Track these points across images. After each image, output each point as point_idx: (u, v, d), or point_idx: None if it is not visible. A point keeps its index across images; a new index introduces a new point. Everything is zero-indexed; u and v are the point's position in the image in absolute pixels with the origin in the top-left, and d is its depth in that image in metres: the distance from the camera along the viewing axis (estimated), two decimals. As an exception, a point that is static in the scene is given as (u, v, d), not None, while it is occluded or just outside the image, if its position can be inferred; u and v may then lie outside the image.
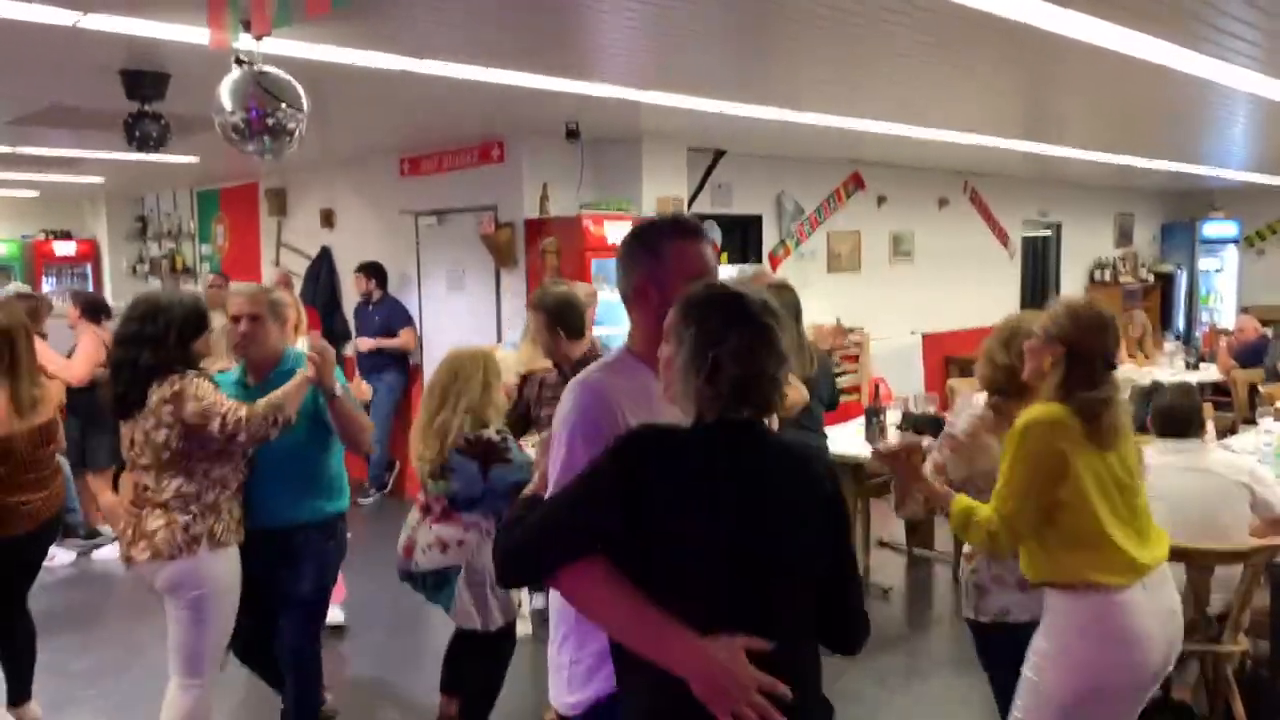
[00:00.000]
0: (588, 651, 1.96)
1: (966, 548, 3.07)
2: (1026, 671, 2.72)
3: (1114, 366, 2.74)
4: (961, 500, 2.76)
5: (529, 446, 3.78)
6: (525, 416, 4.30)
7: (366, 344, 7.81)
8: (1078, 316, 2.72)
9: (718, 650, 1.64)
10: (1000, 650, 2.94)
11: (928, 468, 2.89)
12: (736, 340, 1.72)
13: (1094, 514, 2.61)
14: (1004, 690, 2.90)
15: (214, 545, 3.24)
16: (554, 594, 1.96)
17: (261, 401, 3.27)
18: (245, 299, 3.55)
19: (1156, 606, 2.67)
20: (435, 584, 3.63)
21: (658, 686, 1.68)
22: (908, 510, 2.96)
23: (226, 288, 8.01)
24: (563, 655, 2.03)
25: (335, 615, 5.14)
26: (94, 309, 6.36)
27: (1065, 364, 2.68)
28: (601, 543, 1.71)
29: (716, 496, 1.70)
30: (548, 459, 1.98)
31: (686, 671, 1.65)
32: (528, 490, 2.02)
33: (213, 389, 3.27)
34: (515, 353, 4.41)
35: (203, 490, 3.25)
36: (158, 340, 3.24)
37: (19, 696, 4.06)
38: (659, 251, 2.04)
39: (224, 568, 3.29)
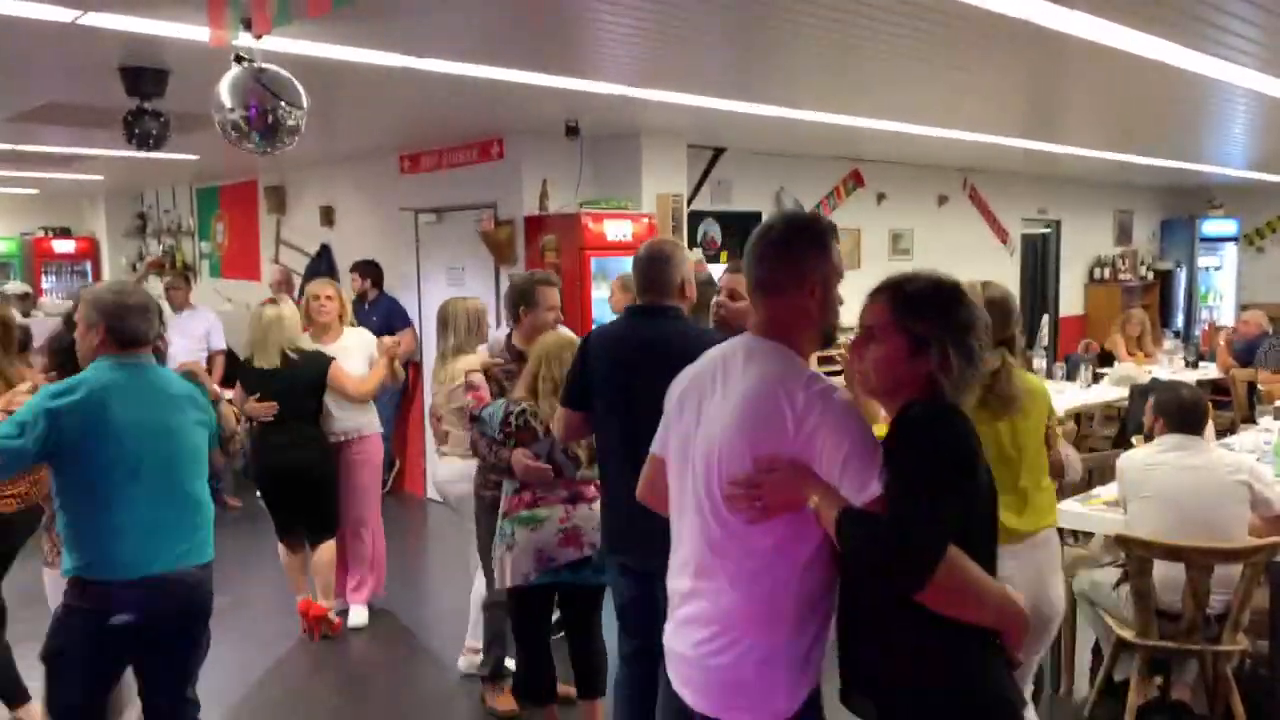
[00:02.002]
0: (797, 654, 1.99)
1: None
2: None
3: (1000, 342, 2.93)
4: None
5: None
6: None
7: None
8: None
9: (1020, 599, 1.95)
10: None
11: None
12: (980, 324, 1.96)
13: None
14: None
15: (46, 566, 3.27)
16: (732, 607, 1.99)
17: None
18: None
19: (1022, 567, 2.87)
20: (600, 566, 3.57)
21: (979, 648, 1.90)
22: None
23: (188, 288, 8.04)
24: (771, 666, 1.98)
25: (359, 617, 5.16)
26: None
27: None
28: (955, 526, 1.83)
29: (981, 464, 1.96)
30: (840, 469, 1.90)
31: (1021, 627, 1.93)
32: (816, 506, 1.91)
33: (22, 398, 3.05)
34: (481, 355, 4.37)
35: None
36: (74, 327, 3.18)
37: (16, 697, 3.91)
38: (829, 250, 2.12)
39: (58, 591, 3.03)
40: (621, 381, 3.12)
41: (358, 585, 5.22)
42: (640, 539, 3.12)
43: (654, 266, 3.20)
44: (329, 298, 5.18)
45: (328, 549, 4.98)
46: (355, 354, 5.11)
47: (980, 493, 1.92)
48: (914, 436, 1.89)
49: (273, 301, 5.06)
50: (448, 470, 4.50)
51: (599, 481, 3.47)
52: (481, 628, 4.35)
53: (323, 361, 4.86)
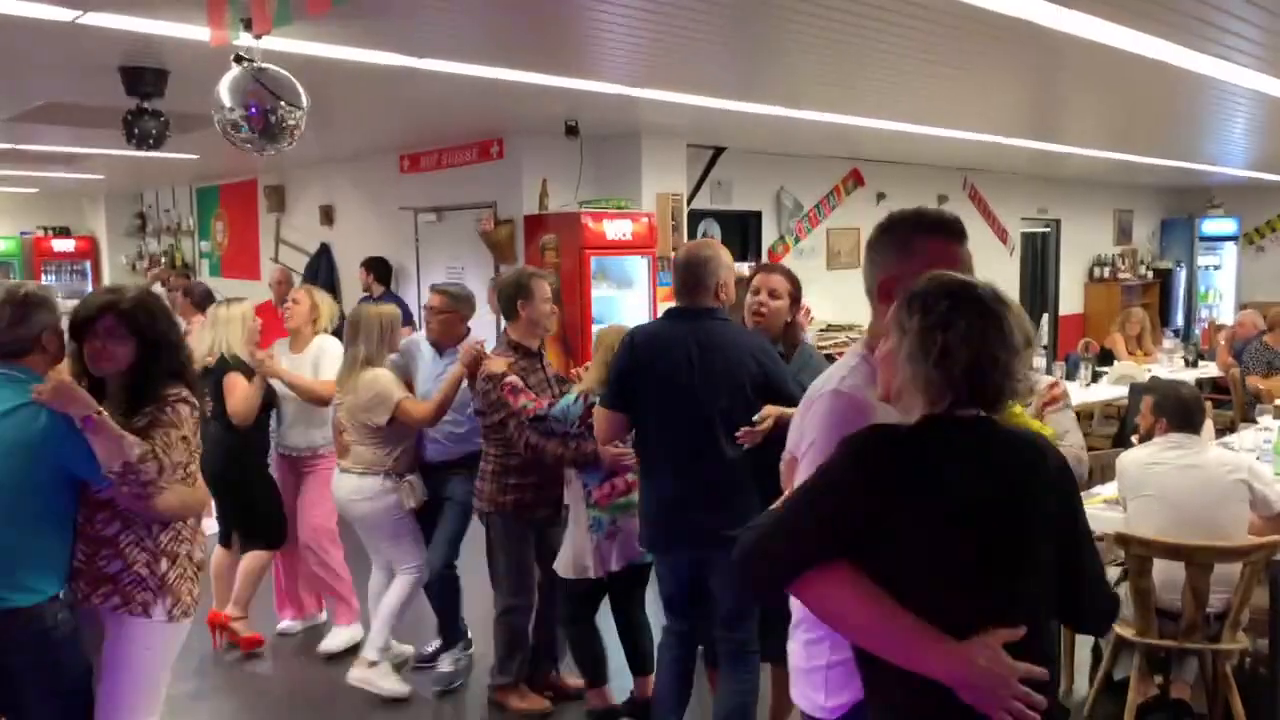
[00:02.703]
0: (846, 653, 1.85)
1: None
2: None
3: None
4: None
5: None
6: None
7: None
8: None
9: (978, 653, 1.62)
10: None
11: None
12: (965, 323, 1.66)
13: None
14: None
15: None
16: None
17: None
18: None
19: None
20: None
21: (917, 692, 1.66)
22: None
23: (194, 291, 8.02)
24: (817, 658, 1.92)
25: (354, 634, 4.84)
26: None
27: None
28: (843, 544, 1.67)
29: (955, 490, 1.67)
30: (795, 473, 1.88)
31: (951, 679, 1.63)
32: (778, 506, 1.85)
33: None
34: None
35: None
36: None
37: None
38: (910, 248, 1.91)
39: None
40: (674, 381, 3.18)
41: (339, 610, 4.85)
42: (689, 528, 3.21)
43: (691, 270, 3.24)
44: (295, 302, 4.93)
45: (251, 558, 4.71)
46: (305, 371, 4.70)
47: (929, 533, 1.66)
48: (836, 448, 1.75)
49: (227, 302, 4.91)
50: (349, 488, 4.24)
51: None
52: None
53: (225, 370, 4.53)
